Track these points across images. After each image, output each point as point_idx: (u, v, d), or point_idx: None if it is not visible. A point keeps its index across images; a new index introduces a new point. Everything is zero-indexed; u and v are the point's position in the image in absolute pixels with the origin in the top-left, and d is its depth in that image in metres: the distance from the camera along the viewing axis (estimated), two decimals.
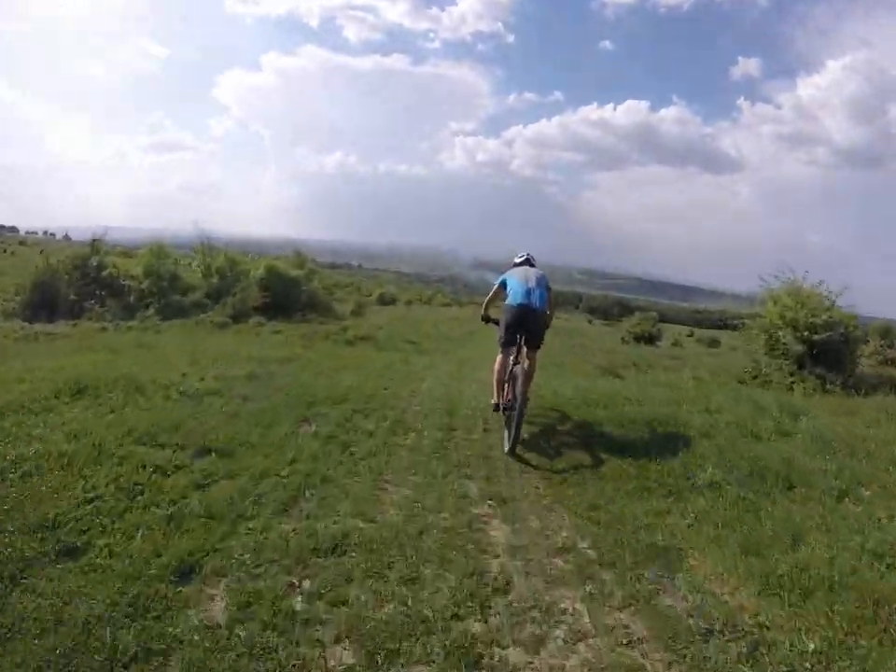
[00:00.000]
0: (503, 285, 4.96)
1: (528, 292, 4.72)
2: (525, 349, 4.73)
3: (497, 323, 4.99)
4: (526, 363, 4.66)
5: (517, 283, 4.82)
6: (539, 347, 4.83)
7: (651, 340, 24.42)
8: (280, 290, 17.30)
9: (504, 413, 4.76)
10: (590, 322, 58.19)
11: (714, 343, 29.84)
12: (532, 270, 5.02)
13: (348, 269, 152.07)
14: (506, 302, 4.84)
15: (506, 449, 4.42)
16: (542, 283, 4.85)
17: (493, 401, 4.91)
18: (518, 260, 5.23)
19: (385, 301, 43.53)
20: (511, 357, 4.76)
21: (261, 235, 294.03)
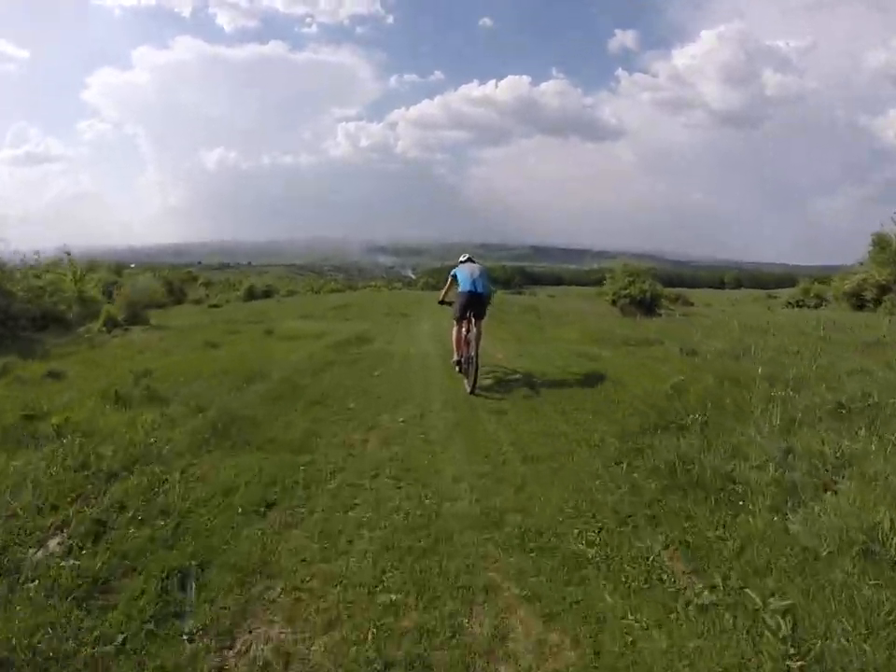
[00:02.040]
0: (454, 278, 6.65)
1: (473, 282, 6.43)
2: (474, 320, 6.37)
3: (451, 304, 6.77)
4: (474, 331, 6.29)
5: (464, 276, 6.52)
6: (482, 318, 6.50)
7: (651, 307, 17.17)
8: None
9: (462, 367, 6.44)
10: (517, 292, 55.13)
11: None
12: (475, 265, 6.76)
13: (237, 268, 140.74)
14: (458, 290, 6.53)
15: (468, 391, 6.00)
16: (483, 274, 6.61)
17: (454, 359, 6.64)
18: (463, 259, 6.96)
19: (255, 294, 36.43)
20: (464, 328, 6.47)
21: (145, 244, 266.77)
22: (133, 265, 50.48)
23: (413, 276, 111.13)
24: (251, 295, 37.06)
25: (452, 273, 6.74)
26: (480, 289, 6.39)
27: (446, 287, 6.96)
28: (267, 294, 39.19)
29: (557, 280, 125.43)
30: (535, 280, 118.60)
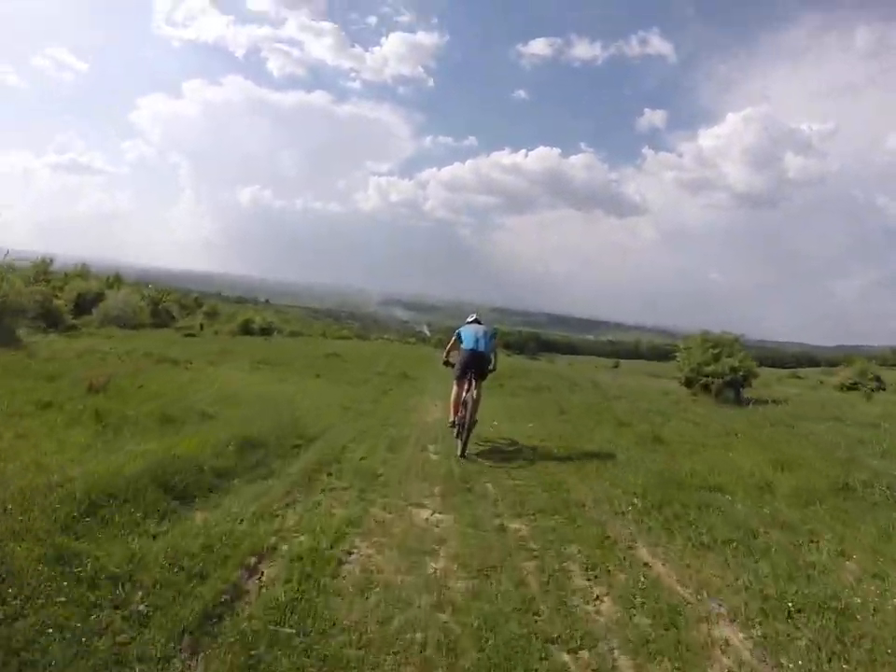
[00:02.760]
0: (458, 337, 6.25)
1: (476, 341, 6.02)
2: (474, 381, 5.81)
3: (453, 366, 6.23)
4: (474, 392, 5.75)
5: (468, 335, 6.13)
6: (483, 379, 5.98)
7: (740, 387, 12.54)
8: None
9: (458, 429, 5.66)
10: (533, 358, 50.73)
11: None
12: (480, 326, 6.32)
13: (255, 304, 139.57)
14: (461, 347, 6.12)
15: (458, 454, 5.30)
16: (487, 335, 6.14)
17: (450, 420, 5.95)
18: (469, 319, 6.58)
19: (251, 330, 32.83)
20: (465, 389, 5.86)
21: (171, 268, 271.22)
22: (149, 285, 47.84)
23: (429, 333, 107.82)
24: (246, 330, 33.20)
25: (456, 331, 6.49)
26: (482, 349, 6.07)
27: (449, 345, 6.65)
28: (266, 331, 35.68)
29: (572, 349, 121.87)
30: (550, 347, 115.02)
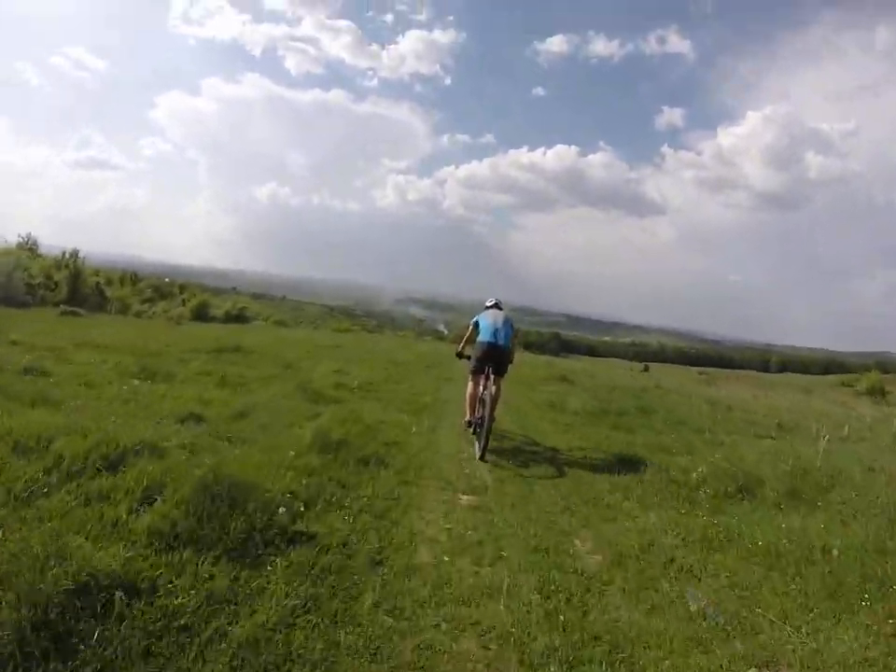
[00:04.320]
0: (475, 325, 5.64)
1: (495, 332, 5.40)
2: (492, 377, 5.24)
3: (469, 358, 5.64)
4: (493, 388, 5.15)
5: (486, 324, 5.50)
6: (503, 375, 5.41)
7: None
8: None
9: (475, 429, 5.27)
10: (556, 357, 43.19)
11: None
12: (500, 312, 5.67)
13: (270, 300, 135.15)
14: (477, 339, 5.51)
15: (477, 456, 4.91)
16: (507, 324, 5.53)
17: (465, 419, 5.47)
18: (489, 304, 5.89)
19: (207, 316, 26.00)
20: (481, 384, 5.31)
21: (191, 264, 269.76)
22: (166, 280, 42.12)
23: (446, 331, 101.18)
24: (200, 316, 26.14)
25: (474, 319, 5.77)
26: (501, 341, 5.42)
27: (466, 335, 5.88)
28: (240, 318, 29.00)
29: (591, 350, 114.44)
30: (569, 348, 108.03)
